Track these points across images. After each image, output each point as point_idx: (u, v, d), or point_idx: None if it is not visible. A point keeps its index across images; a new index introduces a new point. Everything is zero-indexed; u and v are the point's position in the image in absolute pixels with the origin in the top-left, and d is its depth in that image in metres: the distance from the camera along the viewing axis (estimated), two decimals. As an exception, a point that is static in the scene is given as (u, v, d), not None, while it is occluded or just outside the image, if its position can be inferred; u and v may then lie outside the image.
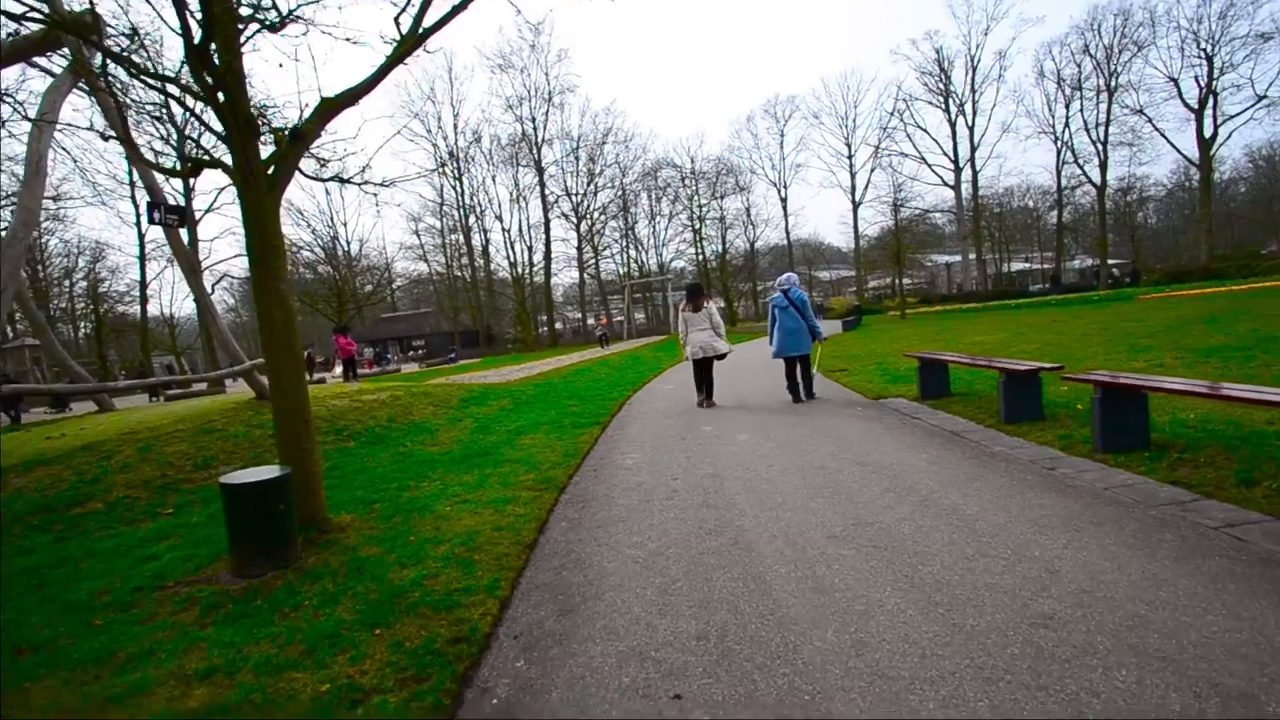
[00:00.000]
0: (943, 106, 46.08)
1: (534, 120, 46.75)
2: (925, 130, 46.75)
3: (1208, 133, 37.45)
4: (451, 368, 28.52)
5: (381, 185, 5.22)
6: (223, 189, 33.74)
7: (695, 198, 49.37)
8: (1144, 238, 51.33)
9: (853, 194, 49.12)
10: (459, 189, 47.39)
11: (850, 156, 48.91)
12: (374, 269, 47.88)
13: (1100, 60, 40.79)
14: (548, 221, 47.28)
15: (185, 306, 46.87)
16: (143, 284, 35.42)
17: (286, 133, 3.82)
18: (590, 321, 54.64)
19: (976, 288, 47.60)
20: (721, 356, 7.90)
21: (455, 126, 46.74)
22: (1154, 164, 60.86)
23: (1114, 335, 11.06)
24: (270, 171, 3.78)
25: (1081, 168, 43.78)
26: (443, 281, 52.40)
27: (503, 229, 48.05)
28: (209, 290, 33.06)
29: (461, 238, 48.59)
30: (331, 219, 48.29)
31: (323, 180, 4.67)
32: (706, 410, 7.59)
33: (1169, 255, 53.90)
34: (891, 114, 46.47)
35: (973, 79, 45.28)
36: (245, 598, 2.90)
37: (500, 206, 49.31)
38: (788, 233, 51.59)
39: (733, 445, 5.45)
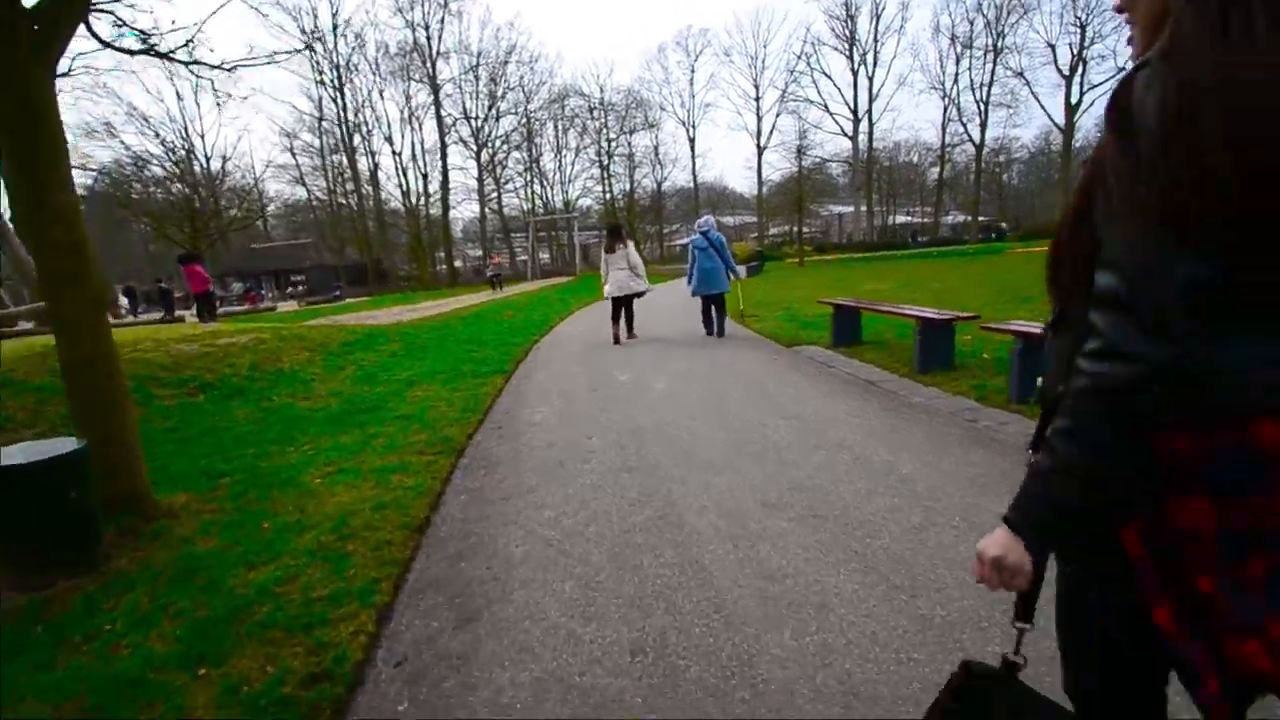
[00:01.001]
0: (847, 54, 46.67)
1: (428, 28, 42.06)
2: (829, 77, 47.57)
3: (1075, 100, 40.81)
4: (335, 306, 26.00)
5: (218, 68, 4.12)
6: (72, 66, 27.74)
7: (604, 131, 47.37)
8: (1009, 196, 56.11)
9: (758, 138, 49.23)
10: (340, 102, 42.25)
11: (758, 99, 48.69)
12: (241, 191, 42.21)
13: (990, 20, 42.73)
14: (444, 147, 43.57)
15: None
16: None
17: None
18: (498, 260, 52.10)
19: (864, 238, 50.16)
20: (640, 295, 8.22)
21: (334, 28, 41.15)
22: (1025, 127, 66.02)
23: (999, 286, 11.78)
24: (38, 27, 2.71)
25: (964, 126, 46.48)
26: (324, 209, 47.32)
27: (393, 152, 43.94)
28: None
29: (345, 159, 43.77)
30: (186, 129, 41.86)
31: (131, 53, 3.54)
32: (621, 351, 7.16)
33: (1028, 215, 59.48)
34: (799, 57, 46.62)
35: (876, 27, 46.04)
36: (19, 622, 2.14)
37: (390, 127, 44.61)
38: (694, 175, 51.21)
39: (650, 395, 5.07)
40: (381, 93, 44.18)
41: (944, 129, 47.76)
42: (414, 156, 43.99)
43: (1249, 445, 0.64)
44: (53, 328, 2.90)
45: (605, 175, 48.12)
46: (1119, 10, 0.78)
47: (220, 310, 26.70)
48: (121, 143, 32.09)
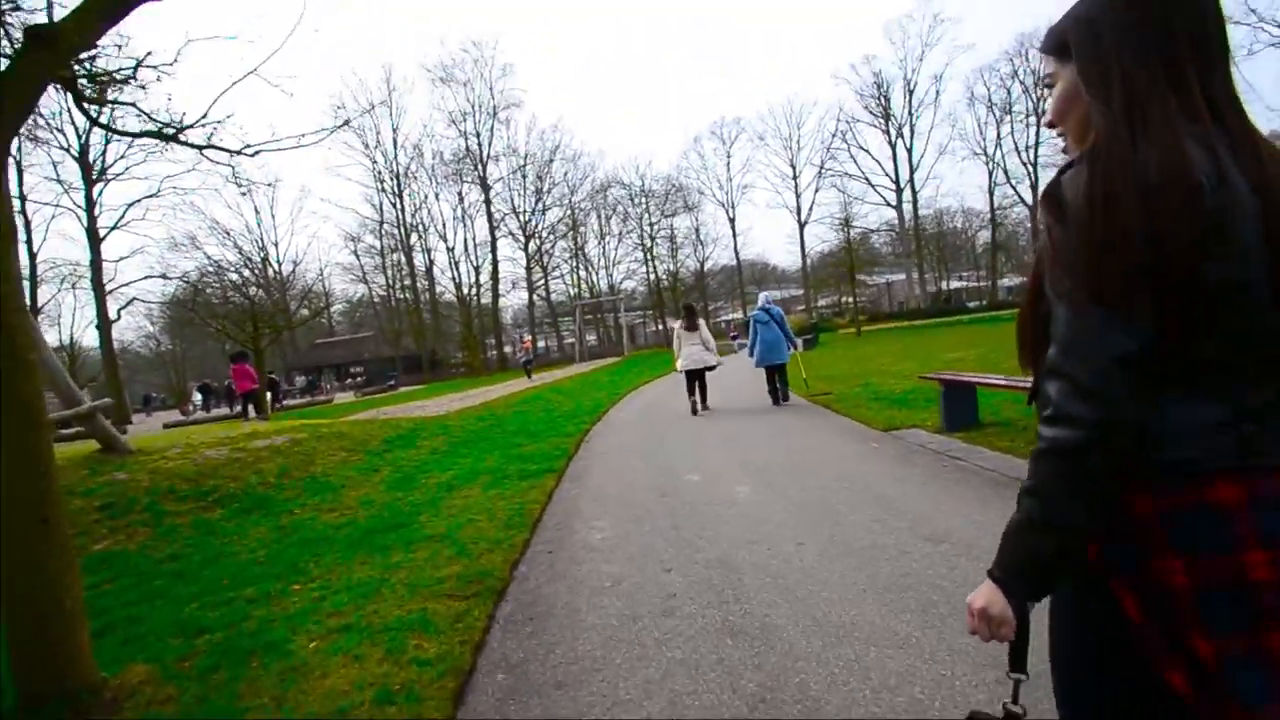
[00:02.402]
0: (883, 129, 47.15)
1: (478, 136, 45.16)
2: (868, 151, 47.69)
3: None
4: (389, 396, 26.23)
5: (238, 153, 3.69)
6: (134, 202, 30.63)
7: (645, 216, 48.58)
8: (1071, 256, 53.69)
9: (799, 214, 49.48)
10: (399, 206, 45.13)
11: (795, 177, 49.34)
12: (308, 292, 44.79)
13: (1029, 85, 42.64)
14: (494, 240, 45.48)
15: (91, 334, 42.32)
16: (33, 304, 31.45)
17: (22, 32, 2.29)
18: (544, 344, 52.87)
19: (919, 305, 48.51)
20: (712, 368, 8.86)
21: (395, 141, 44.65)
22: (1076, 187, 63.99)
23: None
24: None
25: (1014, 188, 45.51)
26: (383, 304, 49.60)
27: (447, 248, 45.98)
28: (113, 315, 29.68)
29: (403, 258, 46.16)
30: (261, 239, 45.40)
31: (120, 135, 3.11)
32: (687, 438, 6.24)
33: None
34: (834, 135, 47.20)
35: (909, 102, 46.61)
36: None
37: (444, 225, 47.02)
38: (737, 253, 51.42)
39: (734, 504, 4.09)
40: (437, 195, 46.66)
41: (991, 193, 46.92)
42: (466, 250, 46.08)
43: (1203, 504, 0.70)
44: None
45: (649, 258, 48.94)
46: (1050, 126, 0.89)
47: (283, 404, 27.44)
48: (204, 253, 34.84)
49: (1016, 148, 44.36)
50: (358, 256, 47.44)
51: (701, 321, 9.13)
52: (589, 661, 2.30)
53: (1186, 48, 0.74)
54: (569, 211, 48.33)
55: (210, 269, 30.49)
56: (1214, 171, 0.69)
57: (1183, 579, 0.71)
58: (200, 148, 3.41)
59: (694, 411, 8.65)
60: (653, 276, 49.04)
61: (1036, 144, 43.10)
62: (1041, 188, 0.82)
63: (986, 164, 46.30)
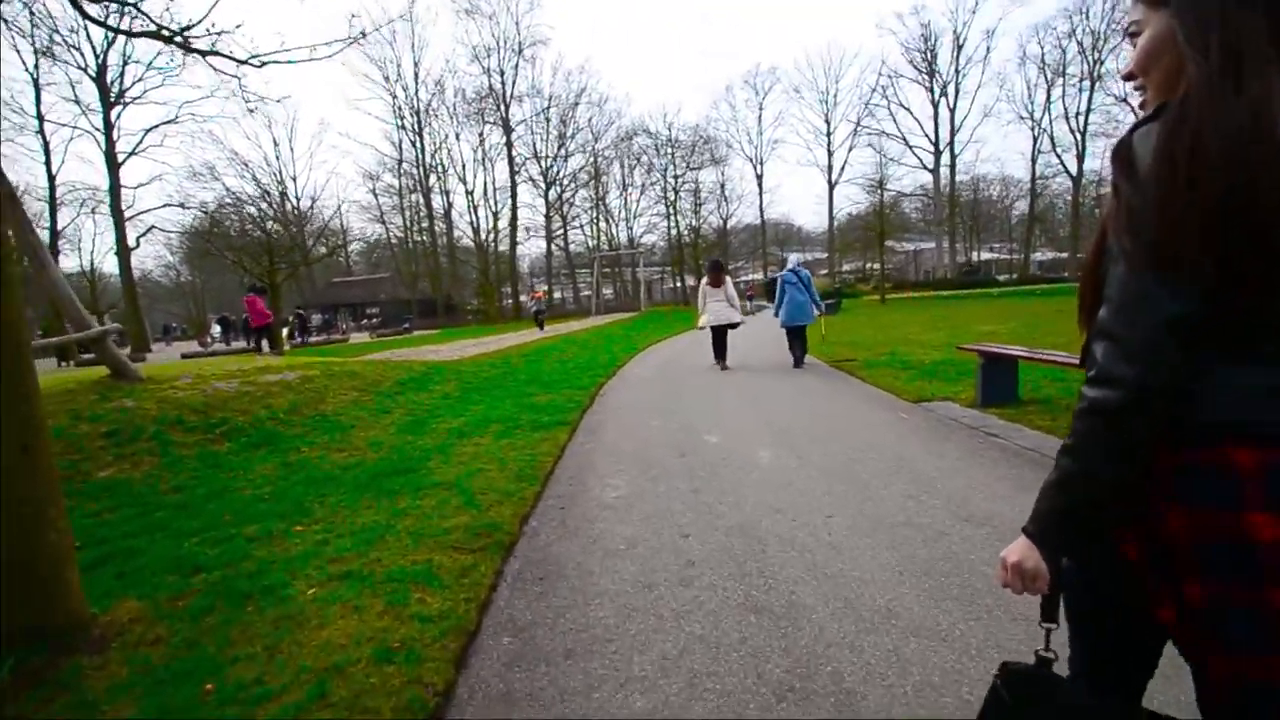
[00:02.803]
0: (926, 85, 44.85)
1: (502, 74, 43.65)
2: (908, 110, 45.60)
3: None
4: (404, 339, 26.28)
5: (245, 63, 3.39)
6: (153, 127, 30.26)
7: (670, 167, 47.15)
8: (1111, 231, 51.50)
9: (829, 173, 47.79)
10: (419, 145, 44.21)
11: (829, 134, 47.41)
12: (327, 230, 44.62)
13: (1086, 46, 40.09)
14: (514, 186, 44.57)
15: (111, 261, 42.64)
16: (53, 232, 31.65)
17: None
18: (560, 296, 52.52)
19: (949, 275, 47.17)
20: (735, 325, 8.84)
21: (416, 76, 43.43)
22: (1123, 159, 61.02)
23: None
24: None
25: (1059, 157, 43.39)
26: (401, 246, 49.29)
27: (466, 191, 45.16)
28: (132, 243, 29.76)
29: (421, 199, 45.56)
30: (280, 172, 45.02)
31: (115, 31, 2.83)
32: (707, 397, 6.04)
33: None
34: (874, 90, 45.11)
35: (957, 59, 44.09)
36: None
37: (464, 167, 46.13)
38: (762, 211, 50.09)
39: (757, 468, 3.89)
40: (458, 135, 45.46)
41: (1034, 161, 44.76)
42: (485, 194, 45.27)
43: (1220, 464, 0.71)
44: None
45: (671, 212, 47.81)
46: (1128, 79, 0.84)
47: (306, 340, 27.63)
48: (223, 185, 34.57)
49: (1066, 114, 42.04)
50: (376, 196, 46.90)
51: (727, 278, 9.05)
52: (601, 630, 2.14)
53: None
54: (591, 159, 47.13)
55: (229, 201, 30.27)
56: None
57: (1182, 527, 0.73)
58: (203, 53, 3.12)
59: (720, 367, 8.76)
60: (674, 232, 48.06)
61: (1088, 110, 40.82)
62: (1105, 150, 0.86)
63: (1032, 130, 43.97)
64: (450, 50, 53.43)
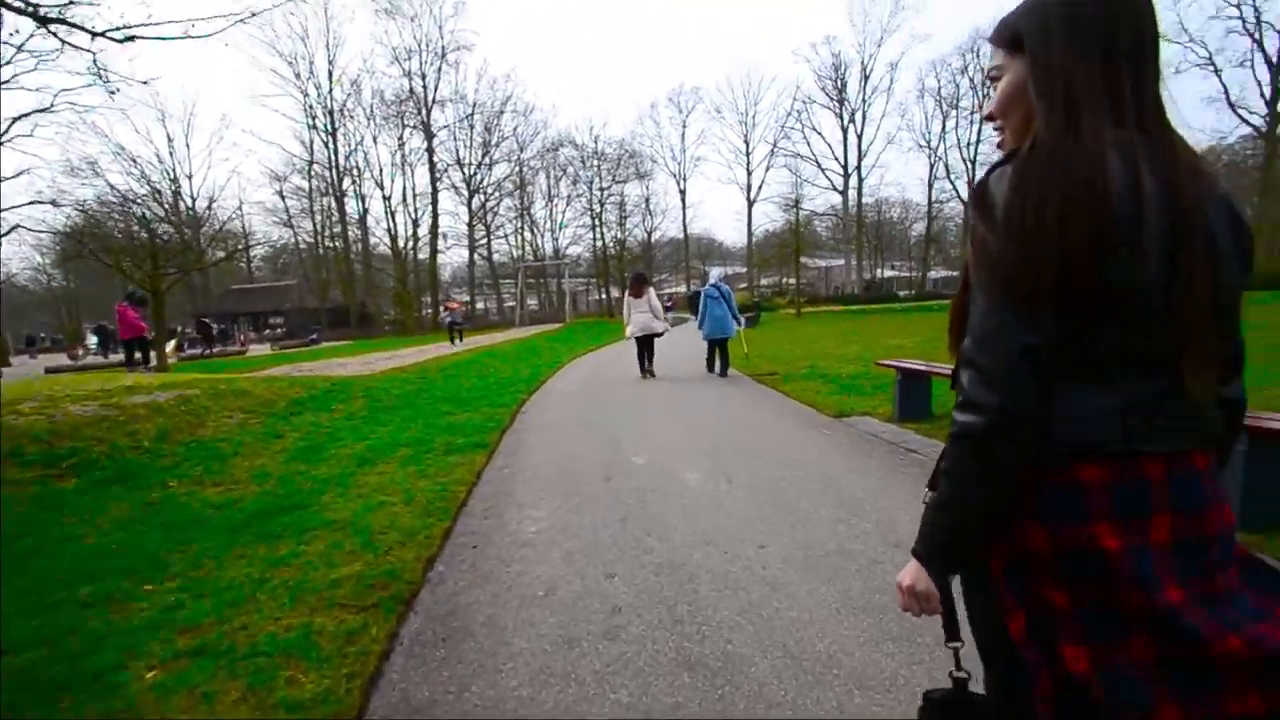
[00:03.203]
0: (837, 112, 47.42)
1: (424, 77, 42.13)
2: (820, 134, 47.95)
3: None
4: (310, 351, 24.49)
5: (104, 35, 2.89)
6: (22, 115, 26.74)
7: (596, 180, 47.15)
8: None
9: (748, 191, 49.37)
10: (332, 146, 41.73)
11: (748, 154, 49.05)
12: (225, 233, 41.14)
13: (977, 82, 43.75)
14: (435, 192, 42.98)
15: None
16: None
17: None
18: (482, 306, 51.00)
19: (856, 291, 49.76)
20: (659, 335, 9.23)
21: (331, 75, 40.99)
22: (1008, 186, 67.02)
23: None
24: None
25: (953, 183, 46.97)
26: (310, 252, 46.18)
27: (383, 196, 43.05)
28: (-17, 243, 26.03)
29: (334, 203, 42.93)
30: (173, 170, 41.24)
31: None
32: (633, 412, 5.82)
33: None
34: (790, 114, 47.09)
35: (865, 88, 46.95)
36: None
37: (381, 171, 43.74)
38: (685, 226, 50.97)
39: (685, 494, 3.70)
40: (375, 138, 43.25)
41: (930, 186, 48.22)
42: (404, 200, 43.33)
43: (1074, 482, 0.77)
44: None
45: (597, 223, 47.73)
46: (989, 119, 0.90)
47: (188, 353, 25.11)
48: (106, 181, 31.08)
49: (959, 143, 45.65)
50: (283, 198, 43.75)
51: (651, 290, 9.41)
52: (514, 704, 1.84)
53: (1125, 50, 0.77)
54: (517, 168, 46.31)
55: (114, 199, 27.19)
56: (1129, 179, 0.73)
57: (1042, 544, 0.78)
58: (46, 22, 2.56)
59: (642, 376, 9.08)
60: (599, 243, 47.98)
61: (977, 141, 44.51)
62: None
63: (929, 157, 47.40)
64: (368, 50, 51.13)
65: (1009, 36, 0.85)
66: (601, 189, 47.05)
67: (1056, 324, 0.73)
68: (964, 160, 45.19)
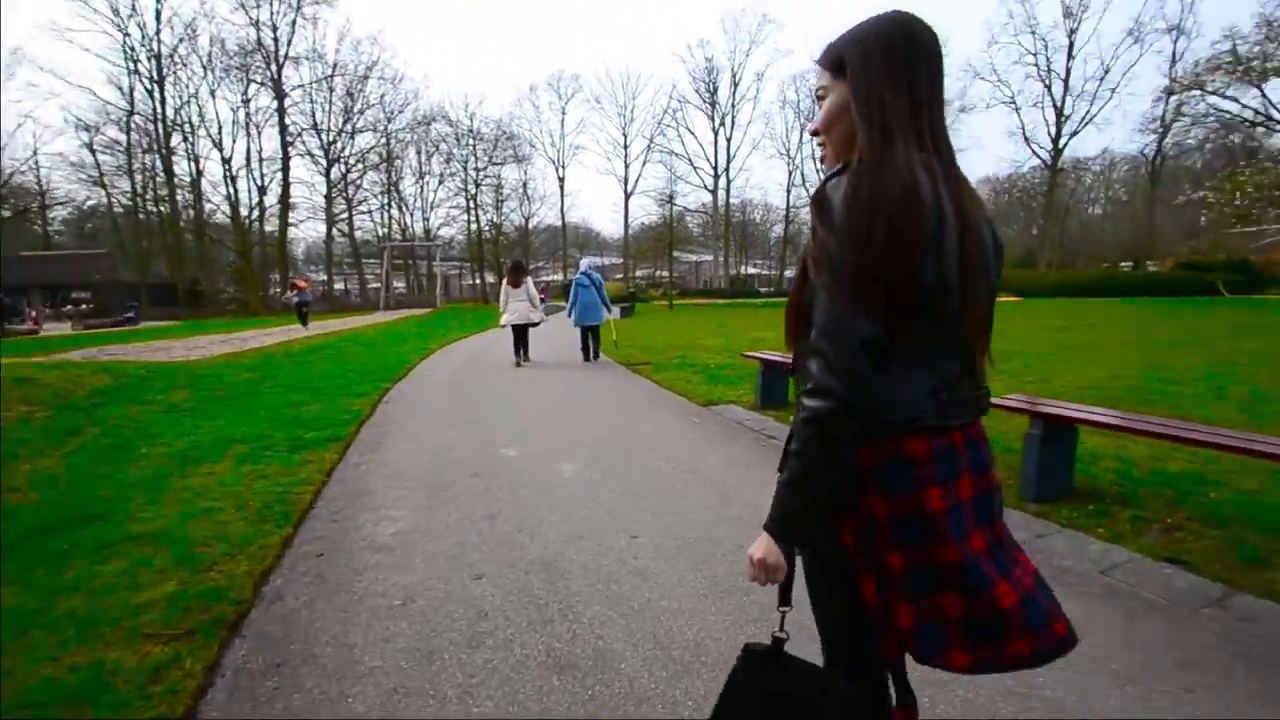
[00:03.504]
0: (709, 114, 49.18)
1: (275, 29, 37.53)
2: (694, 134, 49.65)
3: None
4: (125, 331, 20.99)
5: None
6: None
7: (472, 160, 44.98)
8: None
9: (625, 184, 49.82)
10: (159, 97, 35.89)
11: (626, 146, 49.38)
12: (18, 189, 33.94)
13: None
14: (287, 158, 38.61)
15: None
16: None
17: None
18: (343, 287, 46.86)
19: (723, 285, 52.31)
20: (535, 324, 9.36)
21: (159, 14, 35.10)
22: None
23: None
24: None
25: (807, 191, 50.66)
26: (128, 216, 39.40)
27: (222, 159, 37.83)
28: None
29: (160, 161, 37.00)
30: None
31: None
32: (505, 404, 5.60)
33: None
34: (666, 111, 48.07)
35: (734, 95, 49.09)
36: None
37: (220, 130, 38.30)
38: (563, 213, 50.25)
39: (559, 487, 3.61)
40: (213, 92, 37.80)
41: (789, 191, 51.54)
42: (248, 164, 38.42)
43: (900, 454, 0.90)
44: None
45: (472, 205, 45.64)
46: (814, 134, 1.01)
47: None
48: None
49: (813, 155, 49.37)
50: (93, 151, 36.75)
51: (528, 279, 9.38)
52: (358, 733, 1.66)
53: (924, 86, 0.90)
54: (384, 140, 42.91)
55: None
56: (934, 194, 0.85)
57: (881, 511, 0.90)
58: None
59: (517, 364, 9.07)
60: (474, 226, 45.93)
61: (831, 153, 48.27)
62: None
63: (788, 165, 50.78)
64: (208, -11, 44.13)
65: (834, 61, 0.95)
66: (477, 169, 45.01)
67: (886, 318, 0.83)
68: (817, 171, 48.87)
